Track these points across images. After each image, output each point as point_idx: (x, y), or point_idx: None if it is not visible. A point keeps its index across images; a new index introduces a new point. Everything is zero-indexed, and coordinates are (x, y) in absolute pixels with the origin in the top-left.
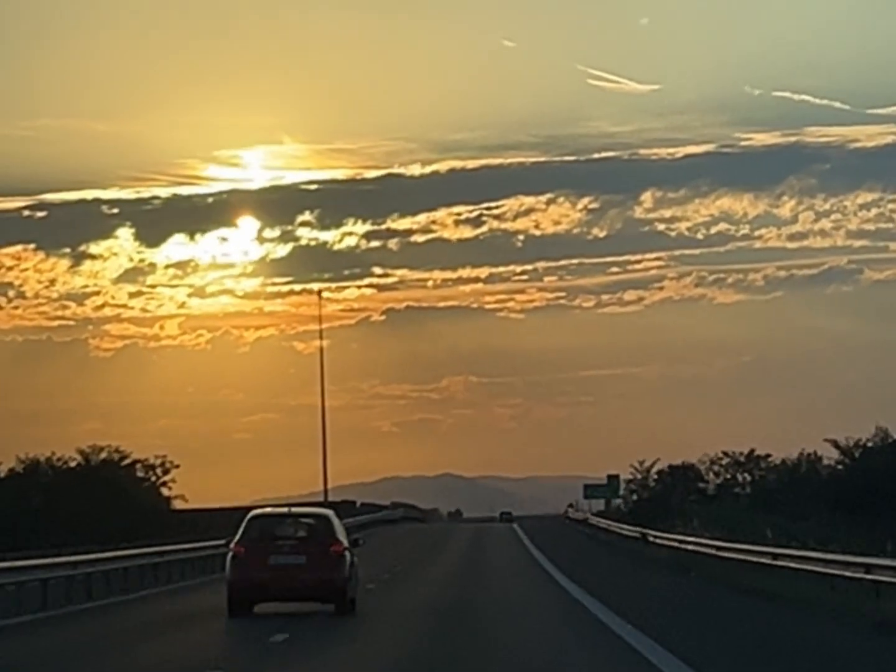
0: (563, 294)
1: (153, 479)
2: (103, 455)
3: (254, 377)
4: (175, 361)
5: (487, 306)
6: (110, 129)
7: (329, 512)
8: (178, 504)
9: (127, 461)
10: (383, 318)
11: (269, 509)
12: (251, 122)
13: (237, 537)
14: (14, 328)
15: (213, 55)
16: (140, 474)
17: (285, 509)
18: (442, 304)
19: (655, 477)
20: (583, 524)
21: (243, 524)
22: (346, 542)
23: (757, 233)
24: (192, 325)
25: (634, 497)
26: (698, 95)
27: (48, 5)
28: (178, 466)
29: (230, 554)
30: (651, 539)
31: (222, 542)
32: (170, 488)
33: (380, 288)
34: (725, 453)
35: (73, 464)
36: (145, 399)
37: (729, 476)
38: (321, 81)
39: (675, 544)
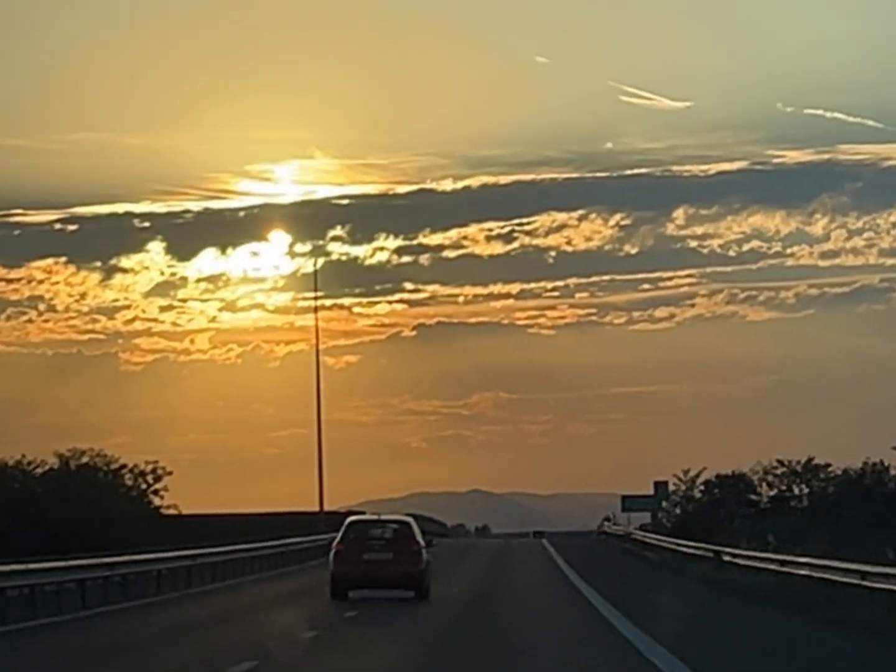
0: (593, 311)
1: (143, 486)
2: (84, 459)
3: (284, 392)
4: (205, 376)
5: (518, 322)
6: (142, 143)
7: (409, 519)
8: (173, 512)
9: (114, 466)
10: (414, 333)
11: (363, 516)
12: (283, 136)
13: (338, 538)
14: (44, 342)
15: (245, 70)
16: (129, 482)
17: (376, 516)
18: (473, 320)
19: (702, 488)
20: (624, 540)
21: (343, 528)
22: (422, 543)
23: (789, 250)
24: (222, 340)
25: (678, 510)
26: (730, 113)
27: (80, 19)
28: (170, 473)
29: (333, 551)
30: (727, 559)
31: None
32: (161, 497)
33: (411, 303)
34: (780, 462)
35: (47, 468)
36: (175, 413)
37: (784, 487)
38: (352, 96)
39: (774, 567)
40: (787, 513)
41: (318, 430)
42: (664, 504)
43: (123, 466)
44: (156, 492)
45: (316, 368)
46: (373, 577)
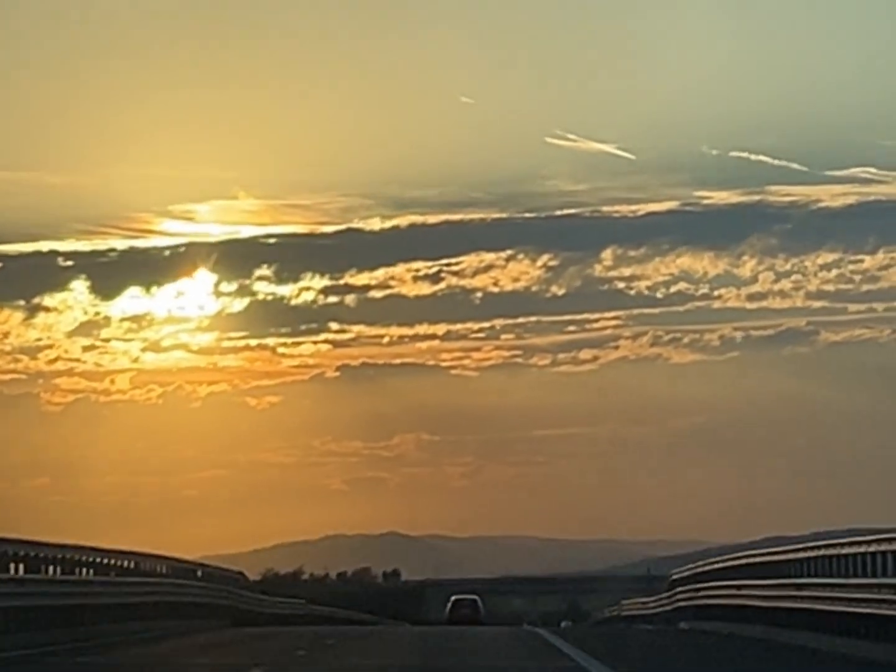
0: (519, 352)
1: None
2: None
3: (205, 433)
4: (126, 416)
5: (443, 364)
6: (66, 182)
7: (476, 597)
8: None
9: None
10: (338, 374)
11: (459, 595)
12: (205, 176)
13: (450, 605)
14: None
15: (168, 109)
16: None
17: (464, 596)
18: (397, 361)
19: None
20: None
21: (451, 601)
22: (481, 605)
23: (716, 292)
24: (144, 380)
25: None
26: (655, 155)
27: (0, 59)
28: None
29: (448, 608)
30: None
31: None
32: None
33: (335, 344)
34: None
35: None
36: (95, 454)
37: None
38: (275, 137)
39: None
40: None
41: None
42: None
43: None
44: None
45: None
46: (462, 619)
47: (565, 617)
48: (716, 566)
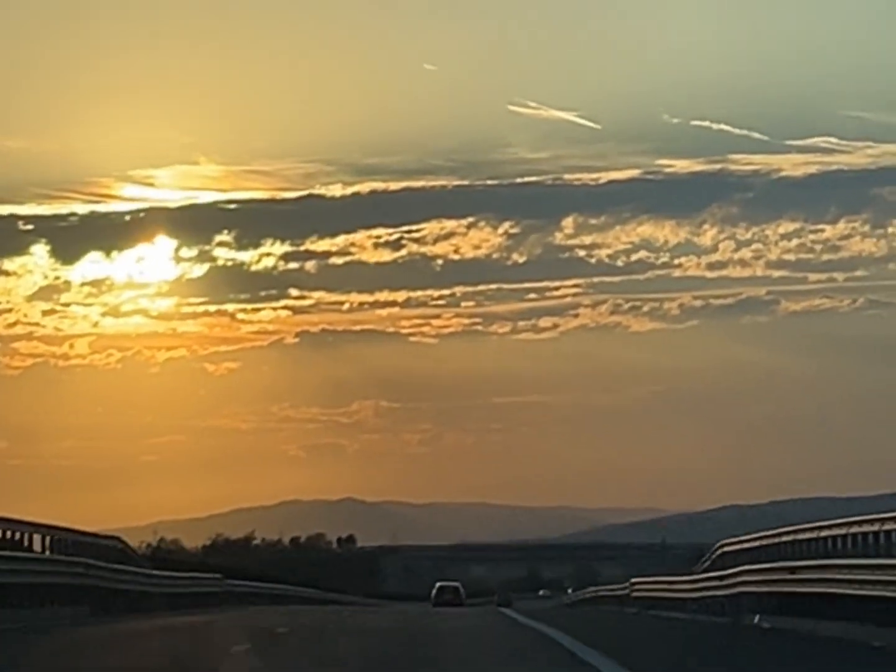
0: (479, 320)
1: None
2: None
3: (163, 398)
4: (85, 381)
5: (402, 331)
6: (26, 146)
7: (458, 584)
8: None
9: None
10: (297, 340)
11: (444, 582)
12: (167, 141)
13: (435, 589)
14: None
15: (129, 74)
16: None
17: (447, 582)
18: (357, 328)
19: None
20: None
21: (436, 586)
22: (462, 589)
23: (676, 261)
24: (103, 345)
25: None
26: (616, 123)
27: None
28: None
29: (434, 592)
30: None
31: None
32: None
33: (295, 310)
34: None
35: None
36: (53, 419)
37: None
38: (236, 102)
39: None
40: None
41: None
42: None
43: None
44: None
45: None
46: (446, 602)
47: (539, 587)
48: (824, 532)
